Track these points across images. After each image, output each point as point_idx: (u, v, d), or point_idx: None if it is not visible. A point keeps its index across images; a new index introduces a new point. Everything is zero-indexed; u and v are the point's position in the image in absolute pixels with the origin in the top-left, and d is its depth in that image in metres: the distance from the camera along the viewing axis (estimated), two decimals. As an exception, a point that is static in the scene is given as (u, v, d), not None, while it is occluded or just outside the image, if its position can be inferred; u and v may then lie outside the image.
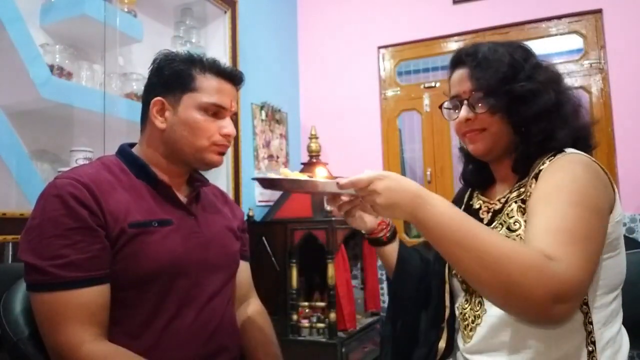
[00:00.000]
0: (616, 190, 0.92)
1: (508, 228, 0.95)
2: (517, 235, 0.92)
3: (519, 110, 0.96)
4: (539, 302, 0.72)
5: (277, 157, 3.01)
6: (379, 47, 3.18)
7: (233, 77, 1.11)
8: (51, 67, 1.64)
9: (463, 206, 1.15)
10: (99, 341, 0.90)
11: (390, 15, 3.13)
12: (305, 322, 2.40)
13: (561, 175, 0.88)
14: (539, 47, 2.93)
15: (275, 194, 2.84)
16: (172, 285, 1.00)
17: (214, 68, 1.08)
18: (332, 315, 2.35)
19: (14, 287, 1.01)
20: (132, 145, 1.13)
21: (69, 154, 1.69)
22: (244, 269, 1.25)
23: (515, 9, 2.85)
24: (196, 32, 2.40)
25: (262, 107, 2.89)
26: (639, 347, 1.07)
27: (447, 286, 1.08)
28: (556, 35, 2.82)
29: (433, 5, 3.04)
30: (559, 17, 2.79)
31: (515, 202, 0.97)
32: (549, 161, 0.92)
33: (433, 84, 3.06)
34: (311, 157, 2.84)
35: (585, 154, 0.94)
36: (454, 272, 1.07)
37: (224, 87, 1.08)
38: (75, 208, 0.91)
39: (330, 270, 2.38)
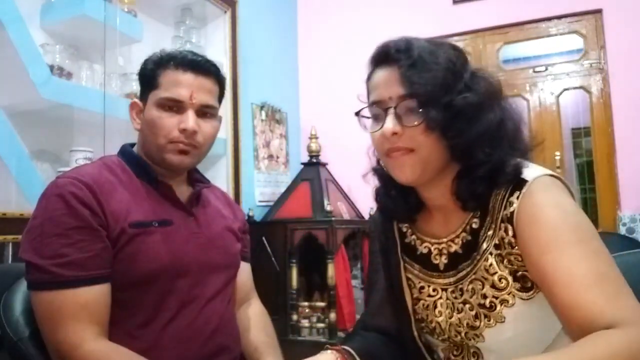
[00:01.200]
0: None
1: (493, 286, 0.80)
2: (508, 294, 0.79)
3: (460, 129, 0.77)
4: None
5: (277, 157, 3.01)
6: (379, 47, 3.18)
7: (195, 67, 1.03)
8: (51, 67, 1.64)
9: (399, 247, 0.95)
10: (99, 340, 0.90)
11: (390, 15, 3.13)
12: (305, 322, 2.40)
13: (546, 215, 0.74)
14: (539, 47, 2.94)
15: (275, 194, 2.84)
16: (172, 286, 1.00)
17: (173, 60, 1.03)
18: (332, 315, 2.35)
19: (14, 287, 1.01)
20: (133, 145, 1.13)
21: (69, 154, 1.69)
22: (245, 270, 1.25)
23: (515, 9, 2.85)
24: (196, 32, 2.40)
25: (262, 107, 2.89)
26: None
27: (421, 345, 0.93)
28: (556, 35, 2.82)
29: (433, 5, 3.04)
30: (559, 17, 2.79)
31: (491, 253, 0.80)
32: (517, 199, 0.77)
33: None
34: (311, 157, 2.83)
35: (542, 170, 0.79)
36: (425, 330, 0.92)
37: (182, 79, 1.02)
38: (76, 207, 0.91)
39: (330, 270, 2.38)
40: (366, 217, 2.90)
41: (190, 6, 2.38)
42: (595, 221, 2.74)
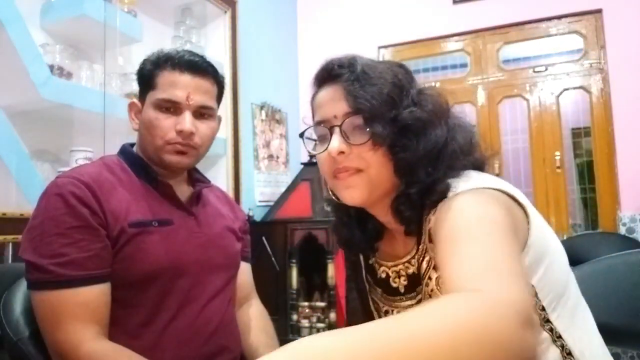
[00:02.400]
0: (521, 199, 0.74)
1: None
2: None
3: (407, 144, 0.75)
4: (515, 337, 0.47)
5: (277, 157, 3.01)
6: (379, 47, 3.18)
7: (191, 67, 1.02)
8: (51, 67, 1.64)
9: (363, 269, 0.92)
10: (99, 340, 0.90)
11: (390, 15, 3.13)
12: (305, 322, 2.40)
13: (452, 217, 0.68)
14: (539, 47, 2.94)
15: (275, 194, 2.84)
16: (172, 285, 1.00)
17: (170, 61, 1.02)
18: (332, 315, 2.35)
19: (14, 287, 1.01)
20: (133, 145, 1.13)
21: (69, 154, 1.69)
22: (245, 271, 1.25)
23: (515, 9, 2.85)
24: (196, 32, 2.40)
25: (262, 107, 2.89)
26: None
27: None
28: (556, 35, 2.83)
29: (433, 5, 3.04)
30: (559, 17, 2.79)
31: (430, 278, 0.76)
32: (432, 215, 0.74)
33: (433, 84, 3.05)
34: (311, 157, 2.83)
35: (478, 182, 0.73)
36: None
37: (179, 80, 1.01)
38: (76, 207, 0.92)
39: (330, 270, 2.38)
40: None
41: (190, 6, 2.38)
42: (595, 221, 2.74)
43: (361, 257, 0.93)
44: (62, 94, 1.63)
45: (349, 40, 3.23)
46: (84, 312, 0.89)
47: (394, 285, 0.85)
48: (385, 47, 3.18)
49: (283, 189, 2.85)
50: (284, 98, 3.14)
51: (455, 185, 0.74)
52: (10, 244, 1.49)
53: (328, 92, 0.79)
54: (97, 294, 0.91)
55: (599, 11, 2.70)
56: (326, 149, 0.78)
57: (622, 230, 2.54)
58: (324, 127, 0.79)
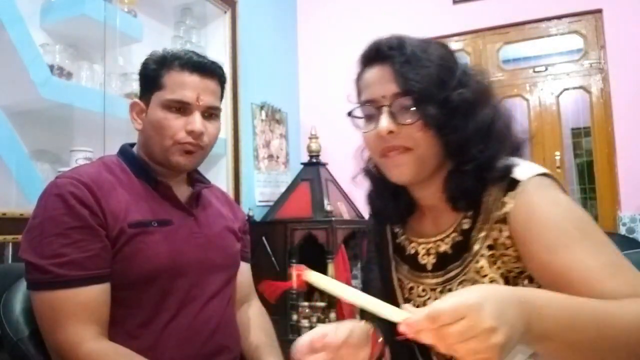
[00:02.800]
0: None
1: None
2: None
3: (456, 125, 0.76)
4: None
5: (277, 157, 3.01)
6: (379, 47, 3.18)
7: (201, 69, 1.03)
8: (51, 67, 1.64)
9: (391, 248, 0.94)
10: (99, 340, 0.90)
11: (390, 15, 3.13)
12: (305, 322, 2.40)
13: (546, 215, 0.73)
14: (539, 47, 2.94)
15: (275, 194, 2.84)
16: (171, 285, 1.00)
17: (178, 61, 1.02)
18: (332, 315, 2.35)
19: (14, 287, 1.01)
20: (133, 145, 1.13)
21: (69, 154, 1.69)
22: (245, 270, 1.25)
23: (515, 9, 2.85)
24: (196, 32, 2.40)
25: (262, 107, 2.89)
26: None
27: (415, 346, 0.89)
28: (556, 35, 2.82)
29: (433, 5, 3.04)
30: (559, 17, 2.79)
31: (483, 255, 0.78)
32: (512, 199, 0.75)
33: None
34: (311, 157, 2.84)
35: (533, 168, 0.78)
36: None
37: (189, 81, 1.02)
38: (75, 207, 0.92)
39: (330, 270, 2.38)
40: (366, 217, 2.90)
41: (190, 6, 2.38)
42: (595, 221, 2.74)
43: (389, 235, 0.95)
44: (62, 94, 1.63)
45: (349, 40, 3.22)
46: (83, 312, 0.89)
47: (422, 262, 0.87)
48: (385, 47, 3.18)
49: (283, 189, 2.85)
50: (284, 98, 3.14)
51: (512, 164, 0.78)
52: (10, 244, 1.49)
53: (377, 73, 0.80)
54: (96, 294, 0.91)
55: (599, 11, 2.69)
56: (374, 129, 0.79)
57: (622, 230, 2.54)
58: (372, 107, 0.80)
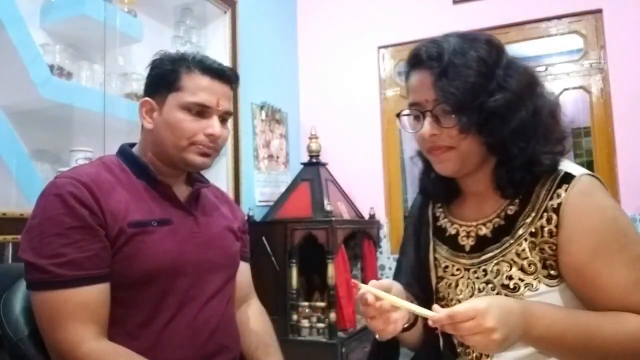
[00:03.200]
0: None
1: (521, 269, 0.86)
2: (535, 279, 0.85)
3: (493, 129, 0.83)
4: None
5: (277, 157, 3.01)
6: (379, 47, 3.18)
7: (221, 75, 1.07)
8: (51, 67, 1.64)
9: (431, 227, 1.02)
10: (99, 340, 0.90)
11: (390, 15, 3.13)
12: (305, 322, 2.40)
13: (594, 218, 0.81)
14: (539, 47, 2.93)
15: (275, 194, 2.84)
16: (171, 285, 1.00)
17: (199, 66, 1.04)
18: (332, 315, 2.35)
19: (14, 287, 1.01)
20: (132, 145, 1.13)
21: (69, 154, 1.69)
22: (244, 270, 1.25)
23: (515, 9, 2.84)
24: (196, 32, 2.40)
25: (262, 107, 2.89)
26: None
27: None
28: (556, 35, 2.82)
29: (433, 5, 3.04)
30: (559, 17, 2.79)
31: (526, 239, 0.86)
32: (564, 192, 0.83)
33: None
34: (311, 157, 2.83)
35: (587, 172, 0.85)
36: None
37: (210, 85, 1.04)
38: (75, 207, 0.92)
39: (330, 270, 2.38)
40: (366, 217, 2.90)
41: (190, 6, 2.37)
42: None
43: (430, 218, 1.03)
44: (62, 94, 1.63)
45: (349, 40, 3.23)
46: (83, 312, 0.89)
47: (461, 243, 0.95)
48: (385, 47, 3.18)
49: (283, 189, 2.85)
50: (284, 98, 3.14)
51: (561, 160, 0.87)
52: (10, 244, 1.49)
53: (418, 79, 0.87)
54: (96, 294, 0.92)
55: (599, 11, 2.69)
56: (419, 130, 0.88)
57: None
58: (417, 110, 0.88)
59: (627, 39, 2.61)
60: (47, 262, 0.89)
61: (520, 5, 2.84)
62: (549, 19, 2.81)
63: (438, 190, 0.99)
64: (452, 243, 0.97)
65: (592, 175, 0.85)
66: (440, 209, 1.02)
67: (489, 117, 0.82)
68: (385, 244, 3.01)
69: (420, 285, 1.01)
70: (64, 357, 0.88)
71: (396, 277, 1.07)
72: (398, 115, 0.94)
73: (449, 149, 0.86)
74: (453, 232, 0.97)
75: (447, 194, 0.99)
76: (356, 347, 2.43)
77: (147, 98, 1.07)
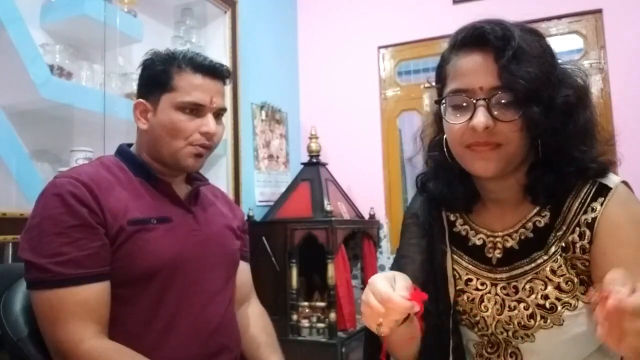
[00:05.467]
0: None
1: (558, 288, 0.78)
2: (572, 297, 0.77)
3: (557, 127, 0.74)
4: None
5: (277, 157, 3.01)
6: (379, 47, 3.18)
7: (213, 72, 1.06)
8: (51, 67, 1.64)
9: (447, 235, 0.91)
10: (100, 338, 0.90)
11: (390, 15, 3.13)
12: (305, 322, 2.40)
13: (629, 230, 0.74)
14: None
15: (275, 194, 2.84)
16: (171, 283, 1.00)
17: (191, 64, 1.04)
18: (332, 315, 2.35)
19: (14, 287, 1.01)
20: (130, 145, 1.13)
21: (69, 154, 1.69)
22: (244, 270, 1.25)
23: (516, 9, 2.84)
24: (196, 32, 2.40)
25: (262, 107, 2.89)
26: None
27: (451, 335, 0.86)
28: (556, 35, 2.82)
29: (433, 5, 3.04)
30: (559, 17, 2.79)
31: (561, 255, 0.78)
32: (600, 205, 0.76)
33: (433, 85, 3.05)
34: (311, 157, 2.83)
35: (620, 179, 0.79)
36: (464, 323, 0.88)
37: (203, 84, 1.04)
38: (74, 206, 0.92)
39: (330, 270, 2.38)
40: (366, 217, 2.90)
41: (190, 6, 2.37)
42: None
43: (445, 224, 0.91)
44: (62, 94, 1.63)
45: (349, 40, 3.23)
46: (83, 311, 0.89)
47: (488, 255, 0.85)
48: (385, 47, 3.18)
49: (283, 189, 2.85)
50: (284, 98, 3.14)
51: (606, 168, 0.79)
52: (10, 244, 1.49)
53: (476, 61, 0.75)
54: (96, 293, 0.92)
55: (599, 11, 2.69)
56: (467, 121, 0.75)
57: None
58: (466, 97, 0.75)
59: (627, 39, 2.61)
60: (47, 261, 0.89)
61: (520, 5, 2.84)
62: (549, 19, 2.81)
63: (456, 197, 0.87)
64: (478, 255, 0.87)
65: (625, 183, 0.80)
66: (456, 214, 0.91)
67: (556, 113, 0.73)
68: (385, 244, 3.01)
69: (432, 296, 0.86)
70: (64, 356, 0.88)
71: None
72: (438, 102, 0.81)
73: (498, 146, 0.75)
74: (479, 242, 0.87)
75: (467, 200, 0.87)
76: (356, 347, 2.43)
77: (140, 99, 1.07)
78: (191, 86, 1.03)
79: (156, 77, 1.05)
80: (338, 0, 3.30)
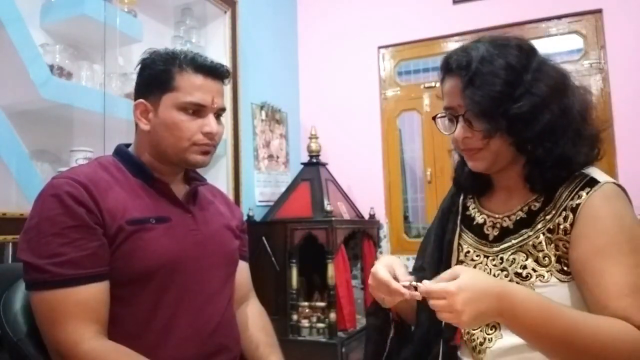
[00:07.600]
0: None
1: (536, 261, 0.90)
2: (547, 271, 0.88)
3: (519, 132, 0.88)
4: None
5: (277, 157, 3.01)
6: (379, 47, 3.18)
7: (214, 72, 1.06)
8: (51, 67, 1.64)
9: (460, 216, 1.08)
10: (99, 338, 0.90)
11: (390, 15, 3.13)
12: (305, 322, 2.40)
13: (609, 221, 0.84)
14: (539, 47, 2.93)
15: (275, 194, 2.84)
16: (170, 282, 1.00)
17: (192, 64, 1.04)
18: (332, 315, 2.35)
19: (13, 287, 1.01)
20: (128, 145, 1.13)
21: (69, 154, 1.69)
22: (244, 270, 1.25)
23: (515, 9, 2.84)
24: (196, 32, 2.40)
25: (262, 107, 2.89)
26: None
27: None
28: (556, 35, 2.82)
29: (433, 5, 3.04)
30: (559, 17, 2.79)
31: (543, 233, 0.90)
32: (586, 194, 0.86)
33: (433, 84, 3.05)
34: (311, 157, 2.84)
35: (612, 180, 0.89)
36: None
37: (204, 84, 1.04)
38: (72, 207, 0.92)
39: (330, 270, 2.38)
40: (366, 217, 2.90)
41: (190, 6, 2.37)
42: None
43: (460, 207, 1.09)
44: (62, 94, 1.63)
45: (349, 40, 3.23)
46: (82, 311, 0.89)
47: (486, 232, 1.01)
48: (385, 47, 3.18)
49: (283, 189, 2.85)
50: (284, 98, 3.14)
51: (593, 158, 0.91)
52: (10, 244, 1.49)
53: (450, 85, 0.93)
54: (95, 293, 0.92)
55: (599, 11, 2.69)
56: (454, 133, 0.94)
57: None
58: (450, 113, 0.95)
59: (627, 39, 2.61)
60: (46, 261, 0.89)
61: (520, 5, 2.84)
62: (549, 19, 2.81)
63: (471, 183, 1.06)
64: (478, 231, 1.02)
65: (618, 185, 0.89)
66: (471, 199, 1.08)
67: (514, 121, 0.87)
68: (385, 244, 3.01)
69: (437, 268, 1.04)
70: (63, 356, 0.88)
71: (417, 259, 1.15)
72: (434, 118, 1.01)
73: (480, 150, 0.92)
74: (480, 221, 1.03)
75: (480, 186, 1.05)
76: (356, 347, 2.43)
77: (141, 100, 1.07)
78: (193, 86, 1.03)
79: (157, 76, 1.05)
80: (338, 0, 3.30)
